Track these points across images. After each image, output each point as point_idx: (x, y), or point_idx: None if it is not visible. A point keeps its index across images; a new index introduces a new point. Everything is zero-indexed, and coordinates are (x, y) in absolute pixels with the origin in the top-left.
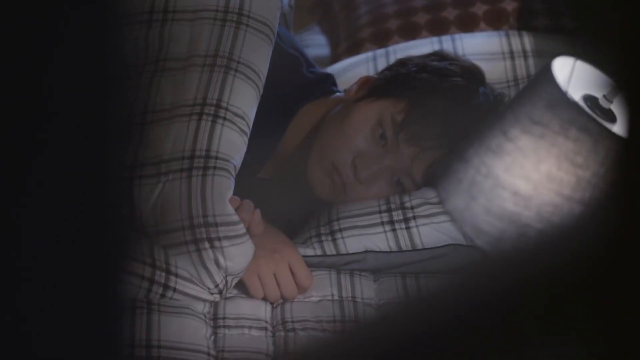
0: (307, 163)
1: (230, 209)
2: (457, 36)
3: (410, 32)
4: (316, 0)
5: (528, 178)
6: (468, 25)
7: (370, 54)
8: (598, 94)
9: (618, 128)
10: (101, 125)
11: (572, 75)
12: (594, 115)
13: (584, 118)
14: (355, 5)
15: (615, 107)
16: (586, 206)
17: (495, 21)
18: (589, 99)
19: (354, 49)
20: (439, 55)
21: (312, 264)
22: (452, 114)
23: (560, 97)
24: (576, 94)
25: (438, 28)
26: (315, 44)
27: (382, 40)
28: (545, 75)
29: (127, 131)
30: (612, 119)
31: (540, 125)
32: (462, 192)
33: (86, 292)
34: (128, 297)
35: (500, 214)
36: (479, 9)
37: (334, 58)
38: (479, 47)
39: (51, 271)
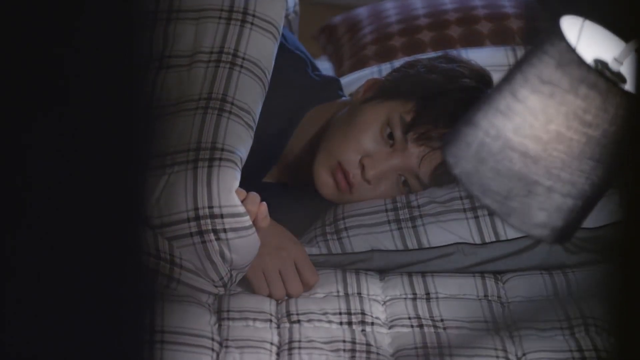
0: (313, 165)
1: (236, 199)
2: (462, 50)
3: (414, 49)
4: (321, 25)
5: (537, 138)
6: (473, 43)
7: (375, 68)
8: (608, 57)
9: (627, 88)
10: (114, 119)
11: (581, 35)
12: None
13: (593, 75)
14: (360, 27)
15: (625, 69)
16: (596, 162)
17: (500, 39)
18: (599, 63)
19: (358, 66)
20: (446, 58)
21: (318, 263)
22: (460, 114)
23: (570, 54)
24: (586, 56)
25: (442, 45)
26: (321, 68)
27: (386, 57)
28: (553, 32)
29: (138, 125)
30: (622, 80)
31: (549, 85)
32: (470, 156)
33: (103, 284)
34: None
35: (508, 172)
36: (484, 27)
37: (339, 75)
38: (484, 59)
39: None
